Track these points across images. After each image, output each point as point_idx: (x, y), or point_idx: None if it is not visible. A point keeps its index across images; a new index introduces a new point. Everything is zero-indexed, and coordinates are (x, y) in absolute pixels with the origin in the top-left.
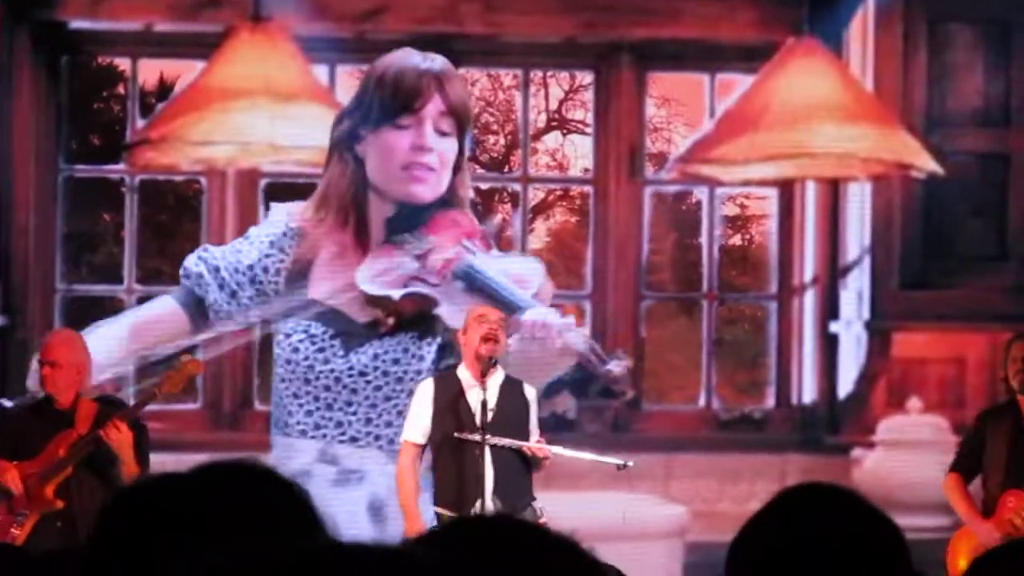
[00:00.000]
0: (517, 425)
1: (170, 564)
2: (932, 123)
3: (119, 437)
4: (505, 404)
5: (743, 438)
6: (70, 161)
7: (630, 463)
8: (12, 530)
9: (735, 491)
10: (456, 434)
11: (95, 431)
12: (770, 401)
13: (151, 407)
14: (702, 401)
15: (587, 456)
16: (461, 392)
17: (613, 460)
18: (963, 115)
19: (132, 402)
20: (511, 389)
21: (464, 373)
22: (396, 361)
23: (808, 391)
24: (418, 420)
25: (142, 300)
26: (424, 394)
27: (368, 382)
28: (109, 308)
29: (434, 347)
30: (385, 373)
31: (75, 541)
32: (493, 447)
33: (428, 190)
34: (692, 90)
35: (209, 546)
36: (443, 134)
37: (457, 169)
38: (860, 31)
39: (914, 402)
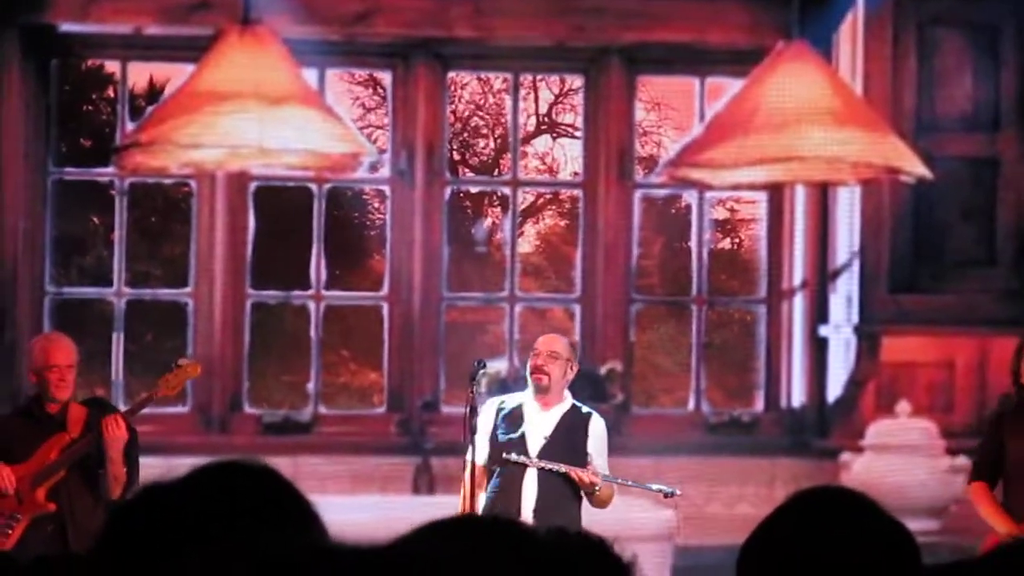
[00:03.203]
0: (571, 454)
1: (173, 566)
2: (921, 127)
3: (116, 434)
4: (562, 433)
5: (732, 442)
6: (59, 164)
7: (677, 491)
8: (2, 534)
9: (724, 494)
10: (504, 455)
11: (87, 434)
12: (759, 405)
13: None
14: (691, 405)
15: (632, 484)
16: (521, 416)
17: (660, 487)
18: (952, 119)
19: (118, 403)
20: (573, 419)
21: (528, 397)
22: None
23: (797, 395)
24: (481, 441)
25: (131, 303)
26: (488, 415)
27: None
28: (98, 311)
29: None
30: None
31: (66, 545)
32: (540, 471)
33: None
34: (682, 94)
35: (209, 546)
36: None
37: None
38: (850, 35)
39: (903, 406)
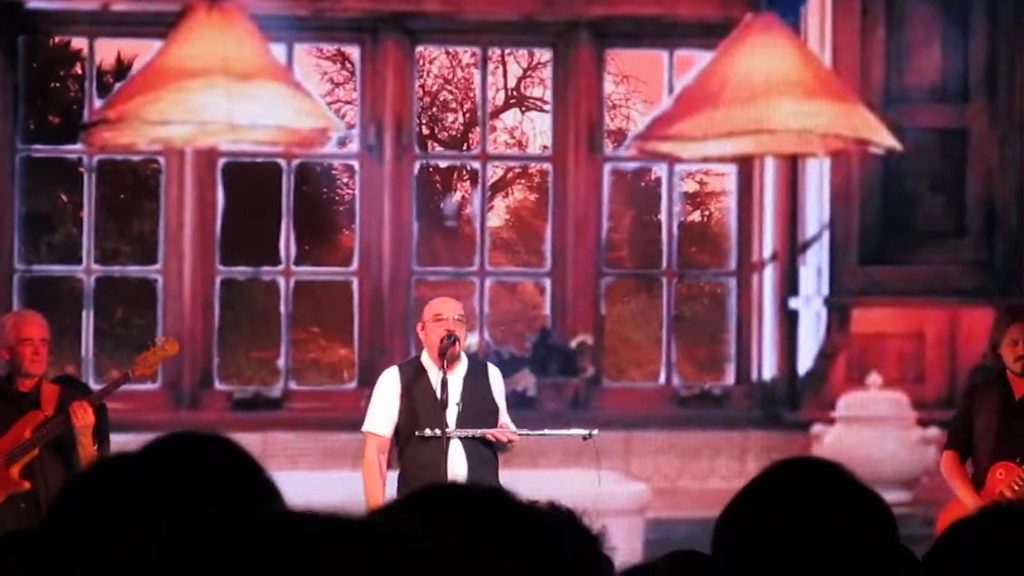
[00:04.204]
0: (485, 413)
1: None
2: (890, 99)
3: (84, 419)
4: (471, 394)
5: (703, 415)
6: (27, 141)
7: (595, 432)
8: None
9: (695, 468)
10: (417, 432)
11: (61, 413)
12: (730, 377)
13: None
14: (662, 378)
15: (551, 433)
16: (427, 384)
17: (577, 432)
18: (921, 91)
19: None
20: (476, 375)
21: (429, 363)
22: None
23: (768, 367)
24: (384, 411)
25: (101, 280)
26: (390, 384)
27: None
28: (68, 288)
29: None
30: None
31: (40, 523)
32: (463, 439)
33: None
34: (651, 67)
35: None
36: None
37: None
38: (818, 6)
39: (873, 377)
